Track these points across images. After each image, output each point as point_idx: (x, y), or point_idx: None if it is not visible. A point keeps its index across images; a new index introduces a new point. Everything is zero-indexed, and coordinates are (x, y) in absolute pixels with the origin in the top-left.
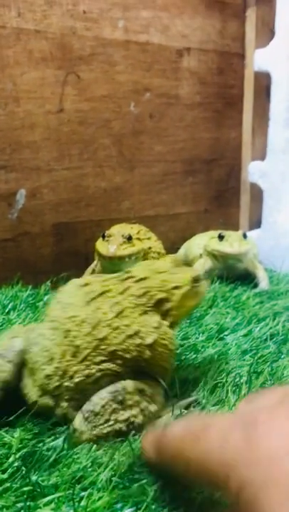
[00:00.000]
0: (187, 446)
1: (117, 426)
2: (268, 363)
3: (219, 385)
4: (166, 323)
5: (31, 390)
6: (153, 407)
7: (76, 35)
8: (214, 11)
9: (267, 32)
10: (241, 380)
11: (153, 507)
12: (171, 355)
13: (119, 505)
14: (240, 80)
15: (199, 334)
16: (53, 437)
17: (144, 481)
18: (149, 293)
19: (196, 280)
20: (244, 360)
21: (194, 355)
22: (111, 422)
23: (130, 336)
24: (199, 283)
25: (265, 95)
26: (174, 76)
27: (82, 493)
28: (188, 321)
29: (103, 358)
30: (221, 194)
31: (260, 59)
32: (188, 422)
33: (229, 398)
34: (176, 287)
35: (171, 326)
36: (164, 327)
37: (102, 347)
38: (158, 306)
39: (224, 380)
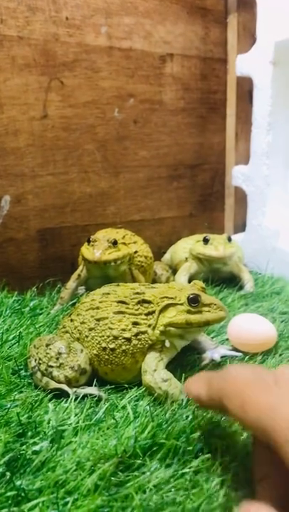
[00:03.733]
0: (254, 392)
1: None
2: (255, 364)
3: None
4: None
5: None
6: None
7: (59, 42)
8: (196, 18)
9: (248, 37)
10: None
11: None
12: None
13: (105, 511)
14: (223, 85)
15: None
16: (37, 438)
17: (130, 485)
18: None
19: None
20: (230, 361)
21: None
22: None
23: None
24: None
25: (248, 100)
26: (158, 82)
27: (67, 498)
28: None
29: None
30: (206, 198)
31: (242, 64)
32: (254, 369)
33: None
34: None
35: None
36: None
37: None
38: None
39: None
